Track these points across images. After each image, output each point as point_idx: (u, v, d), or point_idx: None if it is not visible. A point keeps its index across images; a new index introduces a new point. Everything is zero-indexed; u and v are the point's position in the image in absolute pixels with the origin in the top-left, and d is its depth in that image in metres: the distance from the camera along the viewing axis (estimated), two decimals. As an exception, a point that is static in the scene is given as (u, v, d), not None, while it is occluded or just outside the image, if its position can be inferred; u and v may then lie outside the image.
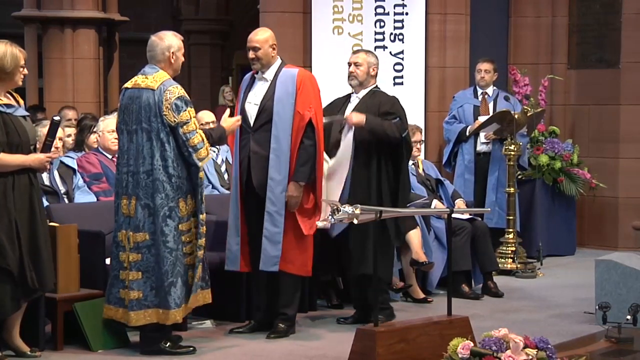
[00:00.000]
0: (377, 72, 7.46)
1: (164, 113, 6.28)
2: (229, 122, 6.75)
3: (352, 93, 7.44)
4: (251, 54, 6.93)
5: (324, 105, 7.17)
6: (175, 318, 6.33)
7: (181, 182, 6.34)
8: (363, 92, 7.37)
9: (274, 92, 6.88)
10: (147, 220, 6.31)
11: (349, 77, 7.41)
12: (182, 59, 6.53)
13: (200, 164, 6.32)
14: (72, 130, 8.77)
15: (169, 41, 6.44)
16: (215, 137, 6.60)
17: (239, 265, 6.96)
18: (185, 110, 6.30)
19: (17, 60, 6.08)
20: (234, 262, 6.96)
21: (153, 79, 6.36)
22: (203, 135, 6.37)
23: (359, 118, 7.11)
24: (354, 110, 7.26)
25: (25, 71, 6.20)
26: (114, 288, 6.40)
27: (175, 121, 6.28)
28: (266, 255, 6.86)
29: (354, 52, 7.58)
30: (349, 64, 7.41)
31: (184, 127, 6.29)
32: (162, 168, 6.29)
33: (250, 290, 7.19)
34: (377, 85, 7.45)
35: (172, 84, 6.36)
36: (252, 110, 6.92)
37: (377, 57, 7.51)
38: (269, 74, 6.94)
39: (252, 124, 6.91)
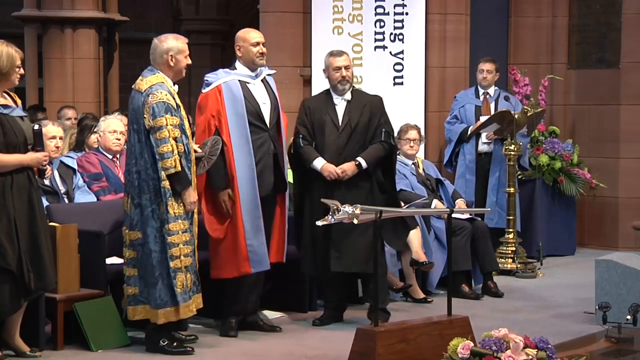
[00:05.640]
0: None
1: (144, 115, 6.31)
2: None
3: (333, 94, 7.26)
4: (262, 49, 6.97)
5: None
6: (164, 317, 6.34)
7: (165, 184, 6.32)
8: (348, 94, 7.25)
9: (272, 90, 7.01)
10: (139, 219, 6.37)
11: (341, 81, 7.19)
12: (185, 61, 6.49)
13: (163, 173, 6.28)
14: (72, 131, 8.78)
15: (169, 44, 6.45)
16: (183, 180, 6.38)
17: (268, 264, 6.91)
18: (162, 117, 6.27)
19: (13, 60, 6.05)
20: (260, 262, 6.87)
21: (146, 81, 6.40)
22: (175, 147, 6.27)
23: (349, 170, 7.06)
24: (346, 111, 7.18)
25: (22, 71, 6.16)
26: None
27: (149, 125, 6.29)
28: None
29: (339, 55, 7.30)
30: (338, 68, 7.20)
31: (157, 133, 6.28)
32: (148, 169, 6.32)
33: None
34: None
35: (159, 88, 6.34)
36: (266, 110, 6.95)
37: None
38: (262, 73, 7.03)
39: (268, 123, 6.94)
